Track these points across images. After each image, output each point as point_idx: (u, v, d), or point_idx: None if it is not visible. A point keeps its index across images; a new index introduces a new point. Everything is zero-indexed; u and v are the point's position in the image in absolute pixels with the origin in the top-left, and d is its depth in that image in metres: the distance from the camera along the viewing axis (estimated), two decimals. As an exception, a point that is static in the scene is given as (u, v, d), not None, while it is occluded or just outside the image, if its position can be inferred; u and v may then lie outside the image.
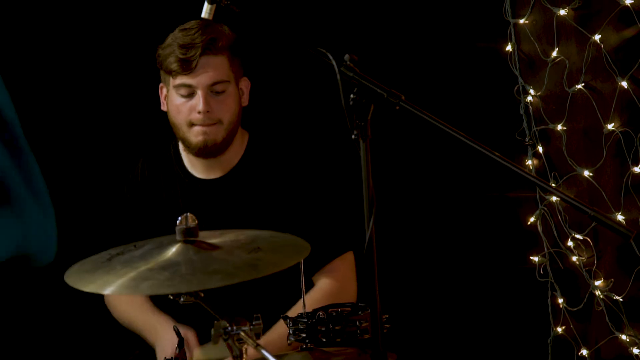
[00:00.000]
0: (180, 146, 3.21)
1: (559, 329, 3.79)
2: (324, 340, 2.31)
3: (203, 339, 2.98)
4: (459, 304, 3.93)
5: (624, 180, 3.54)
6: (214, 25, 3.03)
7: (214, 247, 2.18)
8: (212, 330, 2.13)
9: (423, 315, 3.92)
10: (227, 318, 2.12)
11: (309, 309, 2.38)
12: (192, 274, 2.07)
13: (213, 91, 3.04)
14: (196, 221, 2.18)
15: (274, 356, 2.09)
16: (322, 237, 3.04)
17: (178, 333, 2.56)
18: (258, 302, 2.94)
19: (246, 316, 2.18)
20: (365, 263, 2.08)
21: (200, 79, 3.02)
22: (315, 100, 3.78)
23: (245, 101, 3.15)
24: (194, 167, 3.17)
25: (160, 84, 3.14)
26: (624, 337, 3.60)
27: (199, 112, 3.03)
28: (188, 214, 2.17)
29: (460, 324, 3.92)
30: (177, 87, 3.05)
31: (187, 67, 3.00)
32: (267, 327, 3.01)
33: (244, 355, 2.12)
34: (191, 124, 3.06)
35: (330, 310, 2.36)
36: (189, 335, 2.99)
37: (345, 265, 3.16)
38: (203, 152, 3.09)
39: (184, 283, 2.05)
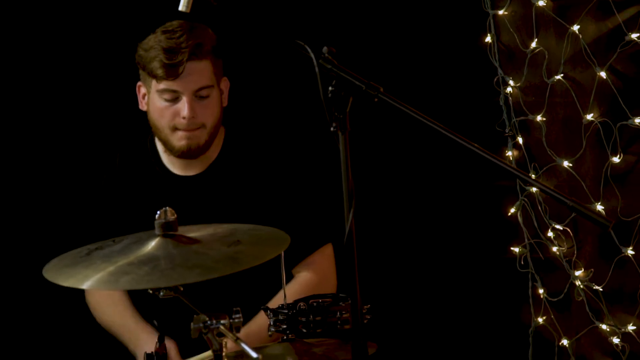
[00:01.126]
0: (158, 143, 3.19)
1: (540, 320, 3.80)
2: (305, 331, 2.32)
3: (183, 333, 2.97)
4: (440, 294, 3.93)
5: (603, 170, 3.55)
6: (198, 28, 3.00)
7: (193, 240, 2.18)
8: (192, 324, 2.13)
9: (405, 306, 3.93)
10: (206, 312, 2.12)
11: (288, 301, 2.38)
12: (172, 268, 2.07)
13: (198, 96, 3.02)
14: (175, 215, 2.18)
15: (254, 349, 2.09)
16: (301, 230, 3.04)
17: (158, 327, 2.56)
18: (238, 295, 2.94)
19: (226, 309, 2.18)
20: (345, 255, 2.08)
21: (185, 85, 2.99)
22: (293, 93, 3.77)
23: (225, 101, 3.14)
24: (172, 163, 3.16)
25: (139, 83, 3.11)
26: (604, 326, 3.62)
27: (184, 118, 3.01)
28: (167, 207, 2.17)
29: (441, 315, 3.93)
30: (161, 91, 3.01)
31: (173, 72, 2.97)
32: (247, 319, 3.01)
33: (224, 349, 2.12)
34: (174, 128, 3.04)
35: (311, 301, 2.36)
36: (171, 347, 2.98)
37: (324, 258, 3.16)
38: (185, 155, 3.07)
39: (164, 277, 2.05)
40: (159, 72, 2.98)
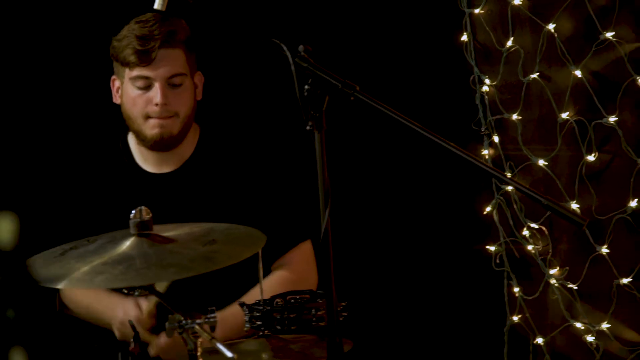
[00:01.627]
0: (131, 140, 3.18)
1: (515, 318, 3.80)
2: (279, 327, 2.31)
3: (158, 332, 2.96)
4: (417, 293, 3.93)
5: (578, 168, 3.57)
6: (171, 18, 3.02)
7: (168, 240, 2.17)
8: (167, 323, 2.12)
9: (381, 304, 3.93)
10: (181, 311, 2.12)
11: (266, 297, 2.38)
12: (147, 268, 2.06)
13: (170, 84, 3.03)
14: (150, 214, 2.17)
15: (228, 347, 2.09)
16: (277, 228, 3.04)
17: (133, 327, 2.55)
18: (215, 294, 2.94)
19: (203, 308, 2.18)
20: (321, 254, 2.08)
21: (158, 71, 3.00)
22: (270, 91, 3.76)
23: (199, 95, 3.15)
24: (146, 161, 3.15)
25: (113, 77, 3.12)
26: (578, 325, 3.63)
27: (156, 105, 3.01)
28: (142, 207, 2.16)
29: (417, 313, 3.93)
30: (134, 78, 3.02)
31: (145, 58, 2.98)
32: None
33: (199, 349, 2.12)
34: (147, 117, 3.04)
35: (288, 297, 2.36)
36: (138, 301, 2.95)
37: (302, 255, 3.15)
38: (158, 145, 3.07)
39: (139, 276, 2.04)
40: (132, 58, 3.00)
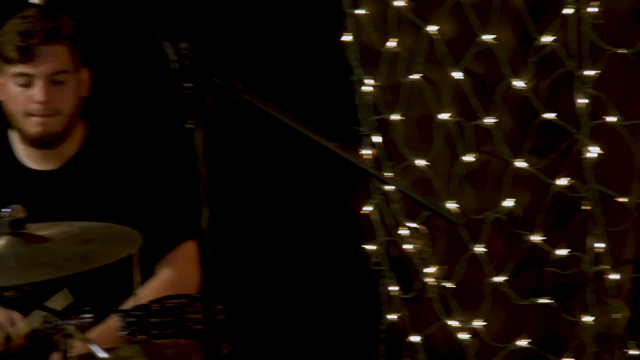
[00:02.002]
0: (14, 136, 3.12)
1: (392, 317, 3.85)
2: (155, 332, 2.29)
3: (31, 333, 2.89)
4: (295, 293, 3.95)
5: (457, 169, 3.63)
6: (54, 14, 2.97)
7: (43, 239, 2.13)
8: (40, 324, 2.08)
9: (259, 306, 3.92)
10: (54, 312, 2.08)
11: (147, 298, 2.35)
12: (19, 267, 2.02)
13: (53, 81, 2.98)
14: (25, 213, 2.12)
15: (102, 349, 2.06)
16: (159, 227, 3.02)
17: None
18: (91, 295, 2.89)
19: (78, 309, 2.14)
20: (200, 254, 2.07)
21: (39, 69, 2.95)
22: (155, 88, 3.72)
23: (85, 92, 3.10)
24: (29, 157, 3.10)
25: None
26: (453, 322, 3.70)
27: (37, 103, 2.97)
28: (16, 205, 2.12)
29: (295, 314, 3.95)
30: (15, 76, 2.97)
31: (26, 55, 2.93)
32: (100, 320, 2.96)
33: (71, 350, 2.08)
34: (28, 114, 2.99)
35: (165, 301, 2.34)
36: (13, 315, 2.90)
37: (185, 255, 3.14)
38: (40, 142, 3.02)
39: (9, 276, 2.00)
40: (12, 54, 2.94)
